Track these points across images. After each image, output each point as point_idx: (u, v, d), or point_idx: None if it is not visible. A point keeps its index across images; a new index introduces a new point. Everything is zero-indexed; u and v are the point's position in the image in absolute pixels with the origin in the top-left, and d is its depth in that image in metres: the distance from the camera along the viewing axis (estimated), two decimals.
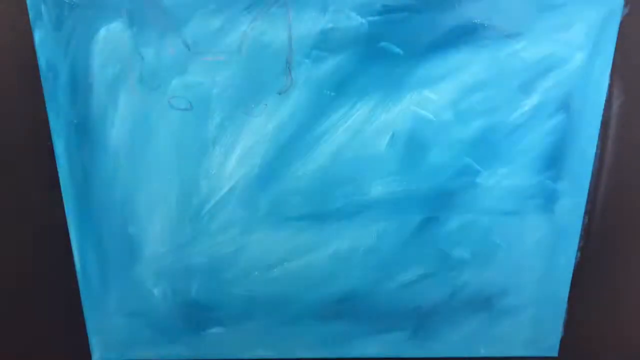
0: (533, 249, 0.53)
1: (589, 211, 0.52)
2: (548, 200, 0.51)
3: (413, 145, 0.49)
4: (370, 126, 0.48)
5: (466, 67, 0.46)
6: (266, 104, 0.47)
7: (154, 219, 0.51)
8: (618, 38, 0.46)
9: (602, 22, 0.45)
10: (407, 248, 0.53)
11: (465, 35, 0.45)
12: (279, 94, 0.47)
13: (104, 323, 0.55)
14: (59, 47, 0.45)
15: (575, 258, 0.54)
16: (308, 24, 0.45)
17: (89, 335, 0.56)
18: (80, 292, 0.54)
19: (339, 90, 0.47)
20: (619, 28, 0.45)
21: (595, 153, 0.50)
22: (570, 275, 0.54)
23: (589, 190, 0.51)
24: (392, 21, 0.45)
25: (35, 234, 0.52)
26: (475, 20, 0.45)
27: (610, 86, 0.48)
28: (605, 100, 0.48)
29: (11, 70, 0.47)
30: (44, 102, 0.47)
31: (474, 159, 0.50)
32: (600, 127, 0.49)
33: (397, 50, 0.46)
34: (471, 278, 0.54)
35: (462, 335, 0.57)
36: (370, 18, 0.45)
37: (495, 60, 0.46)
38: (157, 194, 0.50)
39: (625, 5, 0.45)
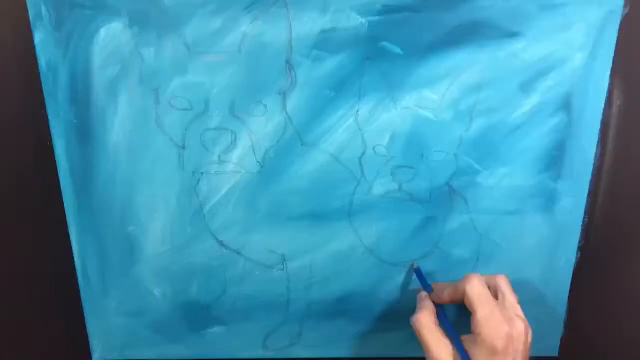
0: (533, 249, 0.53)
1: (589, 211, 0.52)
2: (548, 200, 0.51)
3: (413, 145, 0.49)
4: (370, 126, 0.48)
5: (466, 67, 0.46)
6: (266, 104, 0.47)
7: (154, 219, 0.51)
8: (618, 38, 0.46)
9: (602, 22, 0.45)
10: (407, 248, 0.53)
11: (465, 35, 0.45)
12: (279, 94, 0.47)
13: (104, 323, 0.55)
14: (59, 47, 0.45)
15: (575, 258, 0.54)
16: (308, 24, 0.45)
17: (89, 335, 0.56)
18: (80, 292, 0.54)
19: (339, 90, 0.47)
20: (619, 28, 0.45)
21: (595, 153, 0.50)
22: (570, 275, 0.54)
23: (589, 190, 0.51)
24: (392, 21, 0.45)
25: (35, 234, 0.52)
26: (475, 20, 0.45)
27: (610, 86, 0.48)
28: (605, 101, 0.48)
29: (11, 70, 0.47)
30: (44, 102, 0.47)
31: (474, 159, 0.50)
32: (600, 127, 0.49)
33: (397, 50, 0.46)
34: None
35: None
36: (370, 18, 0.45)
37: (495, 60, 0.46)
38: (157, 194, 0.50)
39: (625, 5, 0.45)
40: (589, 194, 0.51)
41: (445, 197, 0.51)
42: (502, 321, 0.44)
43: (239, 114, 0.47)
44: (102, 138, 0.48)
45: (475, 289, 0.46)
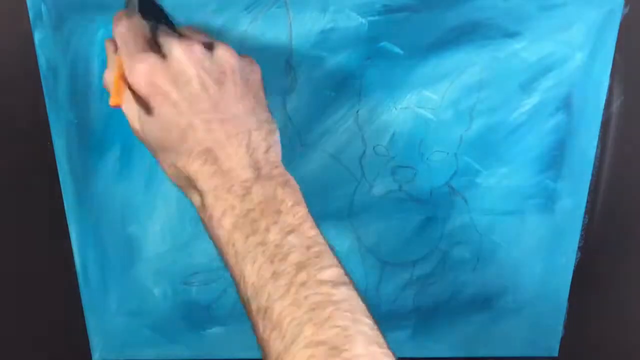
0: (533, 249, 0.53)
1: (589, 211, 0.52)
2: (548, 200, 0.51)
3: (413, 145, 0.49)
4: (370, 126, 0.48)
5: (466, 67, 0.46)
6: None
7: (154, 219, 0.51)
8: (618, 38, 0.46)
9: (602, 22, 0.45)
10: (407, 248, 0.53)
11: (465, 35, 0.45)
12: (279, 94, 0.47)
13: (104, 323, 0.55)
14: (59, 47, 0.45)
15: (575, 258, 0.54)
16: (308, 24, 0.45)
17: (89, 335, 0.56)
18: (80, 292, 0.54)
19: (339, 90, 0.47)
20: (619, 28, 0.45)
21: (595, 153, 0.50)
22: (570, 275, 0.54)
23: (589, 190, 0.51)
24: (392, 21, 0.45)
25: (35, 233, 0.52)
26: (475, 20, 0.45)
27: (610, 86, 0.48)
28: (605, 100, 0.48)
29: (11, 70, 0.47)
30: (44, 102, 0.47)
31: (474, 159, 0.50)
32: (600, 127, 0.49)
33: (397, 50, 0.46)
34: (471, 278, 0.54)
35: (462, 335, 0.56)
36: (370, 18, 0.45)
37: (495, 60, 0.46)
38: (157, 194, 0.50)
39: (625, 5, 0.45)
40: (589, 193, 0.51)
41: (445, 197, 0.51)
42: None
43: None
44: (102, 138, 0.48)
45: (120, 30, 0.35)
